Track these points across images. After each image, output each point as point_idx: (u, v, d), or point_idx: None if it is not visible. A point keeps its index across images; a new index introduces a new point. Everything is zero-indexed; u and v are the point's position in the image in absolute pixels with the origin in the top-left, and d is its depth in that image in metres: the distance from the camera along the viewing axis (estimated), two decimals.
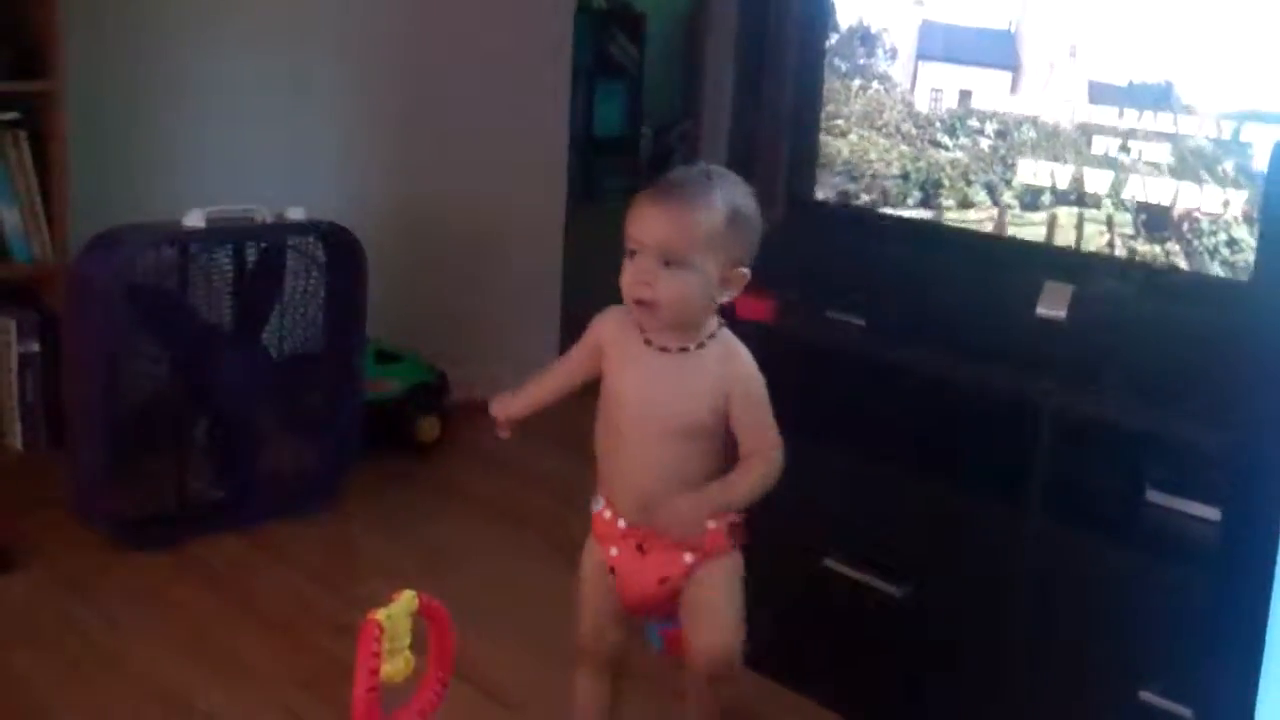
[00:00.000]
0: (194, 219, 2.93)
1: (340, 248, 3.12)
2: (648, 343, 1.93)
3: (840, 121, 2.42)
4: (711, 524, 1.95)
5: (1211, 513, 2.13)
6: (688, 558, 1.96)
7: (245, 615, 2.71)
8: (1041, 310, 2.08)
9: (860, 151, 2.40)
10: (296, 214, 3.09)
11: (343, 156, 3.68)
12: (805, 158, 2.50)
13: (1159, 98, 2.03)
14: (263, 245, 3.04)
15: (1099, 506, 2.18)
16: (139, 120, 3.39)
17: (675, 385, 1.92)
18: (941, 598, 2.27)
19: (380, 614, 1.68)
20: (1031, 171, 2.19)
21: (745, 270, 1.90)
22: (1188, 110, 2.02)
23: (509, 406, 2.12)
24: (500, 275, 4.00)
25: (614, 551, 2.00)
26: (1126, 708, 2.00)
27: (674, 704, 2.14)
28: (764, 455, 1.91)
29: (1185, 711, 1.93)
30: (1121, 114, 2.08)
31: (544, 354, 4.17)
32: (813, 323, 2.38)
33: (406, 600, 1.71)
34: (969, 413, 2.26)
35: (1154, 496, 2.20)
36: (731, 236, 1.87)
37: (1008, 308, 2.14)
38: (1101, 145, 2.10)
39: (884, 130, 2.36)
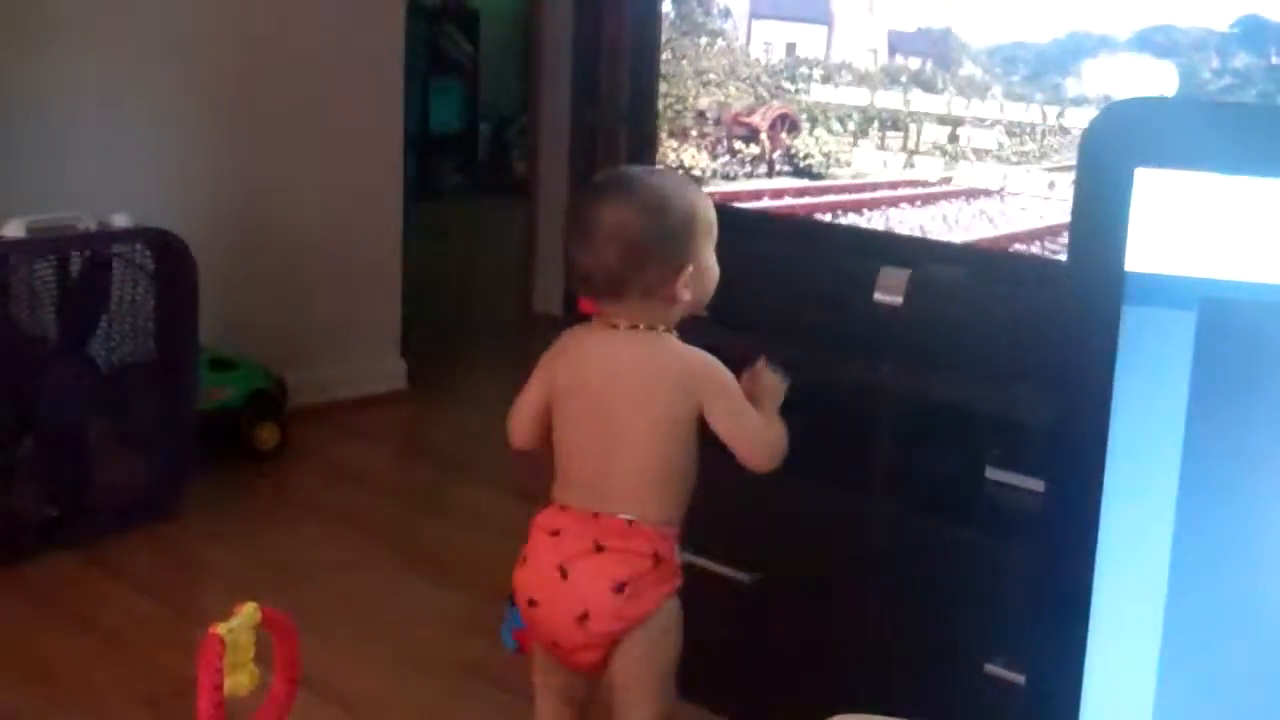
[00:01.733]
0: (13, 229, 2.82)
1: (169, 254, 3.03)
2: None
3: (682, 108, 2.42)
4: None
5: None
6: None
7: (83, 634, 2.62)
8: (879, 296, 2.11)
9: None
10: (122, 221, 2.99)
11: (170, 159, 3.57)
12: (644, 149, 2.49)
13: (982, 87, 2.08)
14: (87, 254, 2.94)
15: (941, 487, 2.22)
16: None
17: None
18: (792, 584, 2.29)
19: (221, 628, 1.64)
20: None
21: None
22: (1018, 97, 2.07)
23: None
24: (338, 276, 3.93)
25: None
26: (973, 681, 2.04)
27: None
28: None
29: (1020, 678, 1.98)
30: (924, 64, 2.12)
31: (385, 356, 4.12)
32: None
33: (248, 613, 1.67)
34: (811, 400, 2.28)
35: (992, 474, 2.26)
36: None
37: (845, 294, 2.16)
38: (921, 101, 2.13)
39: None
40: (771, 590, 2.30)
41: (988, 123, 2.08)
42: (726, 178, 2.37)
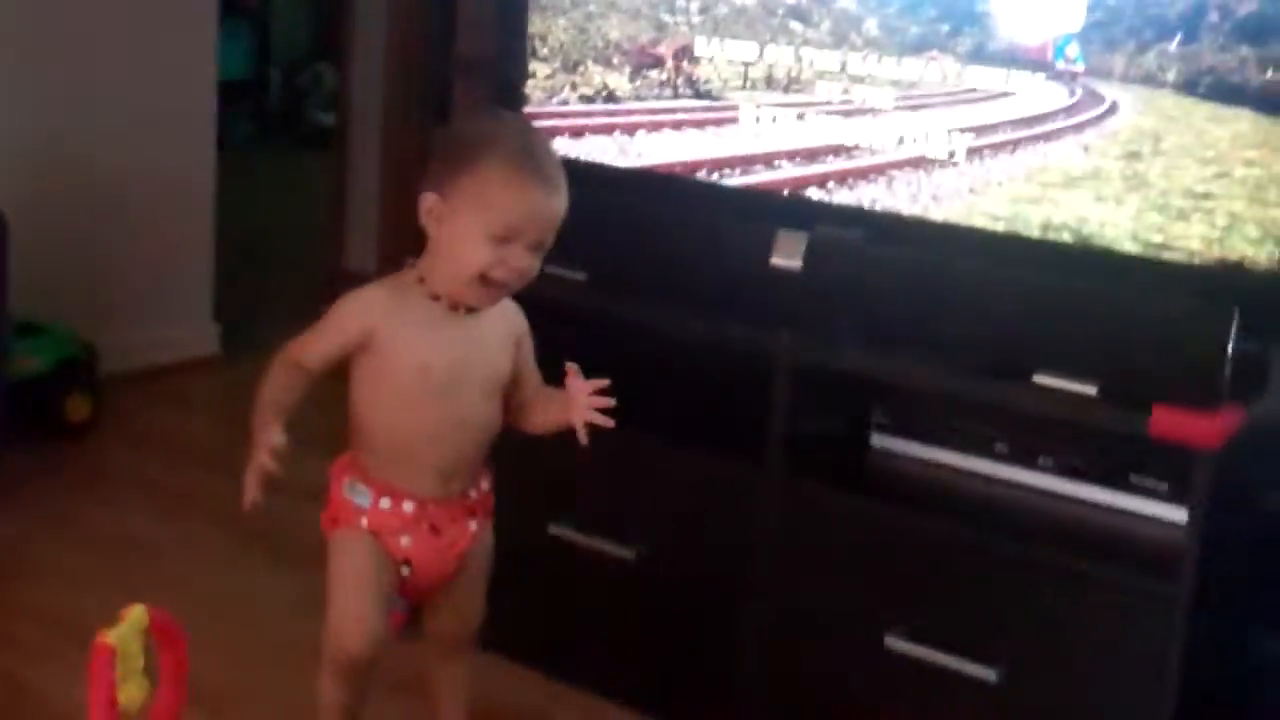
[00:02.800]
0: None
1: None
2: (436, 301, 1.80)
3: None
4: (485, 484, 1.91)
5: (931, 453, 2.19)
6: (473, 525, 1.88)
7: None
8: (776, 260, 2.05)
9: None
10: None
11: None
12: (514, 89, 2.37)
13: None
14: None
15: (831, 455, 2.18)
16: None
17: (480, 342, 1.83)
18: (677, 559, 2.22)
19: (110, 635, 1.48)
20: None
21: None
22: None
23: (267, 450, 1.79)
24: (148, 234, 3.68)
25: (405, 541, 1.84)
26: (873, 654, 2.01)
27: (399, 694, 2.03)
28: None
29: (928, 653, 1.97)
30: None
31: (197, 319, 3.90)
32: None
33: (136, 617, 1.52)
34: (701, 368, 2.22)
35: (877, 440, 2.24)
36: None
37: (740, 258, 2.10)
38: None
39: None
40: (655, 566, 2.23)
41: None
42: (638, 99, 2.29)
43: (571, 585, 2.34)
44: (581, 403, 1.82)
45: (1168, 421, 1.77)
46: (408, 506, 1.83)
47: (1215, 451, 1.77)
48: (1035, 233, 1.95)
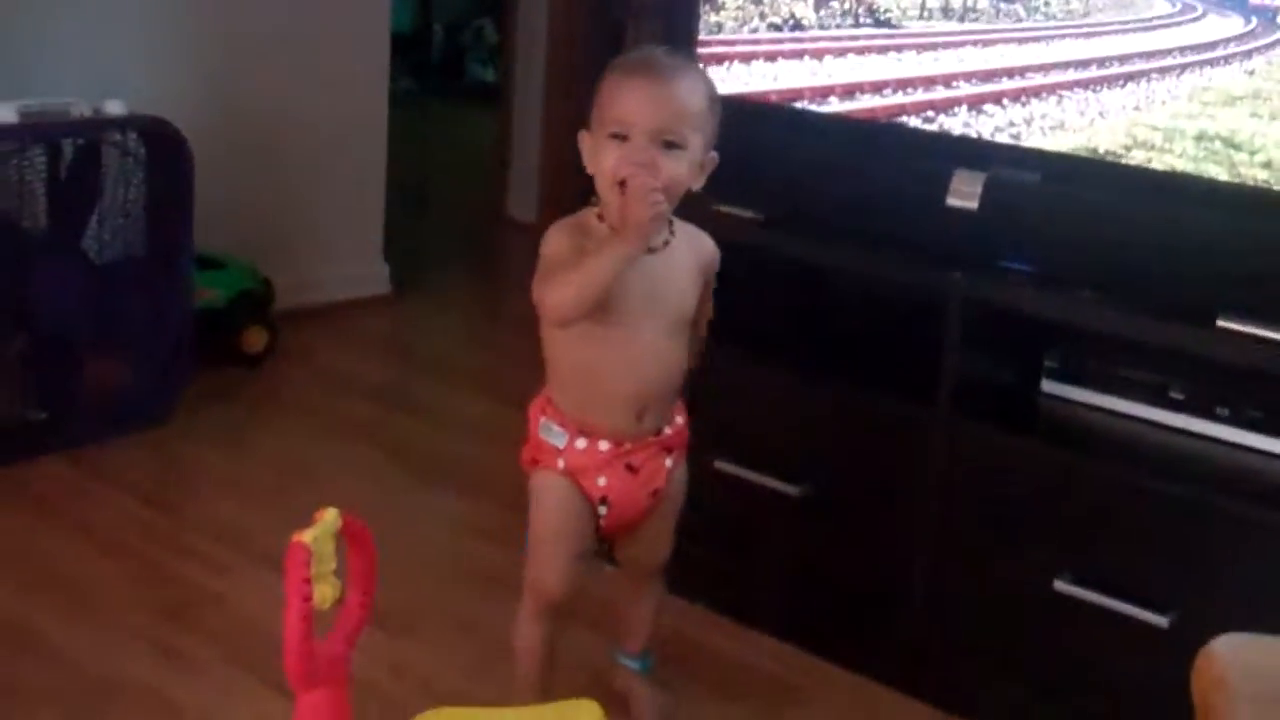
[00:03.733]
0: (3, 113, 2.65)
1: (163, 144, 2.88)
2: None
3: None
4: (679, 419, 1.91)
5: (1104, 400, 2.16)
6: (668, 461, 1.89)
7: (81, 541, 2.50)
8: (952, 200, 2.03)
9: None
10: (115, 108, 2.82)
11: (158, 47, 3.39)
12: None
13: None
14: (80, 142, 2.78)
15: (1002, 399, 2.17)
16: None
17: (668, 276, 1.82)
18: (842, 497, 2.23)
19: (306, 536, 1.54)
20: None
21: (715, 154, 1.81)
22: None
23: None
24: (325, 176, 3.79)
25: (602, 480, 1.85)
26: (1043, 595, 2.00)
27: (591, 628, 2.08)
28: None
29: (1098, 598, 1.95)
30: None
31: (369, 259, 4.00)
32: (703, 217, 2.28)
33: (330, 520, 1.57)
34: (873, 308, 2.22)
35: (1049, 386, 2.22)
36: (711, 118, 1.78)
37: (915, 197, 2.09)
38: None
39: None
40: (822, 504, 2.24)
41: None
42: (822, 27, 2.28)
43: (738, 522, 2.36)
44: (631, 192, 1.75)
45: None
46: (603, 446, 1.83)
47: None
48: (1190, 145, 1.90)
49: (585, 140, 1.79)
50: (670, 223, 1.83)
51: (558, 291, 1.73)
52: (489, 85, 6.61)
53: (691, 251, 1.86)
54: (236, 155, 3.53)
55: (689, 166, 1.75)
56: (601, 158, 1.75)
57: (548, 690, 1.91)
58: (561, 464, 1.84)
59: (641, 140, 1.72)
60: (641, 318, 1.80)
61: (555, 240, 1.78)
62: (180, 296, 2.97)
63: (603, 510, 1.86)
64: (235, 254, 3.40)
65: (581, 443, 1.83)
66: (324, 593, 1.55)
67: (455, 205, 5.22)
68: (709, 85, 1.81)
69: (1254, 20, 1.87)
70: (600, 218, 1.80)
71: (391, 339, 3.87)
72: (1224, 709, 0.98)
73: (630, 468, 1.85)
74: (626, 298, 1.77)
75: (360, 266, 3.97)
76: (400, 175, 4.16)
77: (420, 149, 5.80)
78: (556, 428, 1.84)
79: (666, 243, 1.82)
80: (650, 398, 1.83)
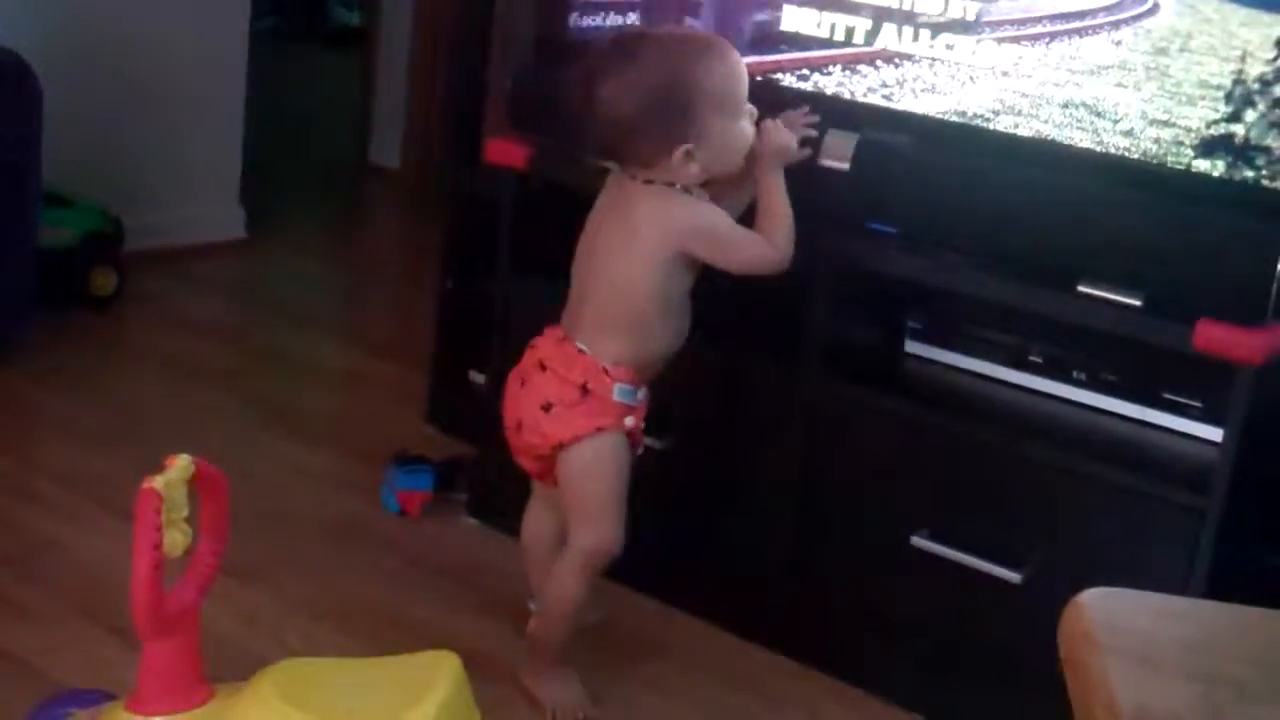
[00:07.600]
0: None
1: (8, 76, 2.75)
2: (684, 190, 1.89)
3: None
4: None
5: (966, 361, 2.19)
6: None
7: None
8: (825, 160, 2.03)
9: None
10: None
11: None
12: None
13: None
14: None
15: (866, 359, 2.19)
16: None
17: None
18: (710, 451, 2.23)
19: (157, 481, 1.49)
20: None
21: None
22: None
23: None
24: (180, 116, 3.66)
25: (629, 422, 1.92)
26: (900, 551, 2.03)
27: None
28: None
29: (952, 553, 1.98)
30: None
31: (225, 202, 3.88)
32: (569, 167, 2.26)
33: (182, 466, 1.52)
34: None
35: (912, 347, 2.24)
36: None
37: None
38: None
39: None
40: (687, 459, 2.23)
41: None
42: None
43: None
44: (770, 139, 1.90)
45: (1212, 335, 1.78)
46: (641, 394, 1.94)
47: (1256, 368, 1.77)
48: (1057, 111, 1.94)
49: (707, 137, 1.84)
50: None
51: (778, 235, 1.88)
52: (352, 30, 6.47)
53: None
54: (87, 90, 3.38)
55: None
56: (745, 135, 1.88)
57: None
58: (630, 421, 1.90)
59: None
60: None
61: (711, 210, 1.89)
62: (25, 235, 2.86)
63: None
64: (84, 193, 3.27)
65: (643, 393, 1.93)
66: (175, 540, 1.51)
67: (316, 150, 5.10)
68: None
69: None
70: (686, 191, 1.88)
71: (246, 285, 3.77)
72: (1091, 661, 1.00)
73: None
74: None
75: (215, 209, 3.85)
76: (262, 118, 4.05)
77: (284, 91, 5.66)
78: (628, 386, 1.90)
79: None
80: None
